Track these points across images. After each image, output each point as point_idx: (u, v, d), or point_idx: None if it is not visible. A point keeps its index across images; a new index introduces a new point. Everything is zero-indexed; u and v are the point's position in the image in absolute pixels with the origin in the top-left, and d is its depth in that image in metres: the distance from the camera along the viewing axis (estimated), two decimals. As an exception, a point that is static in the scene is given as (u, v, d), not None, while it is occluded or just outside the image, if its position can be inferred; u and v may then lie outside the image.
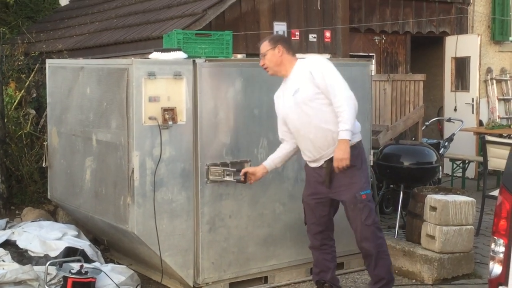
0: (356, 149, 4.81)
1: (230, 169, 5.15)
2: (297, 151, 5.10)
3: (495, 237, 3.40)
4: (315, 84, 4.76)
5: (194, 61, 5.19)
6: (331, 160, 4.79)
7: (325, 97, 4.75)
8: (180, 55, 5.32)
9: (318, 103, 4.77)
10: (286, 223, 5.62)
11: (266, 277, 5.61)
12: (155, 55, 5.34)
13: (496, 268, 3.38)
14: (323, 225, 5.06)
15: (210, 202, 5.24)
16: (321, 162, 4.89)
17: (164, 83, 5.05)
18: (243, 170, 5.05)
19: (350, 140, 4.67)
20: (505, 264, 3.32)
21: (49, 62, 6.49)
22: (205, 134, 5.20)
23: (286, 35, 8.89)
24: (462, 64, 10.61)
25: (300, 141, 4.93)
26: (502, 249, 3.34)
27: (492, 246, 3.42)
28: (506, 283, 3.33)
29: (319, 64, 4.85)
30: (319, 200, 4.99)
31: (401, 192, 6.69)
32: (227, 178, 5.13)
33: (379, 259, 4.89)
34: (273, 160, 5.09)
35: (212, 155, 5.24)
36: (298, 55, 8.57)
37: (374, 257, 4.88)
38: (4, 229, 6.01)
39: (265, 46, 4.98)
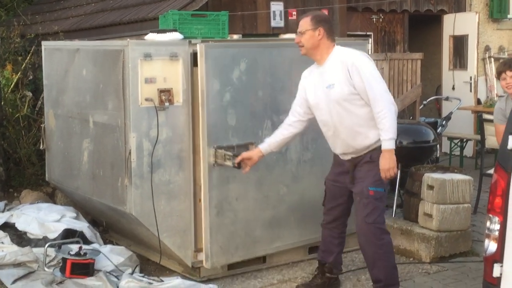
0: (380, 148, 4.60)
1: (229, 153, 5.08)
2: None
3: (490, 215, 3.41)
4: (351, 84, 4.53)
5: (190, 41, 5.17)
6: (357, 157, 4.70)
7: (361, 98, 4.55)
8: (176, 36, 5.30)
9: (353, 104, 4.56)
10: (289, 204, 5.60)
11: (264, 257, 5.64)
12: (151, 36, 5.32)
13: (491, 246, 3.40)
14: (339, 211, 4.97)
15: (217, 185, 5.17)
16: (348, 157, 4.77)
17: (160, 64, 5.03)
18: (239, 157, 4.97)
19: (393, 149, 4.52)
20: (500, 241, 3.34)
21: (44, 44, 6.47)
22: (212, 116, 5.10)
23: (283, 14, 8.86)
24: (460, 43, 10.58)
25: (328, 136, 4.82)
26: (497, 226, 3.36)
27: (488, 223, 3.43)
28: (501, 261, 3.35)
29: (358, 63, 4.54)
30: (339, 187, 4.90)
31: (399, 171, 6.70)
32: (227, 163, 5.07)
33: (377, 260, 4.71)
34: (269, 144, 4.98)
35: (218, 138, 5.16)
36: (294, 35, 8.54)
37: (371, 257, 4.73)
38: (3, 211, 6.04)
39: (305, 24, 4.68)
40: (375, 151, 4.63)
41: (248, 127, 5.32)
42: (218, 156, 5.10)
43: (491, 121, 7.33)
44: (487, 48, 11.34)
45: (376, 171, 4.62)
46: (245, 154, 4.99)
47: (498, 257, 3.37)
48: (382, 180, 4.65)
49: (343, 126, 4.63)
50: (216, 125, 5.15)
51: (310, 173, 5.64)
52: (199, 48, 5.04)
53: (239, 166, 4.98)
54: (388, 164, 4.52)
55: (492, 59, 11.37)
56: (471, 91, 10.37)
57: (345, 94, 4.55)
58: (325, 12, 9.12)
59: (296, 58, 5.23)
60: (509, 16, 11.60)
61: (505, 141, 3.36)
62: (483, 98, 10.86)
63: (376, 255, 4.69)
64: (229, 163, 5.05)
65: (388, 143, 4.50)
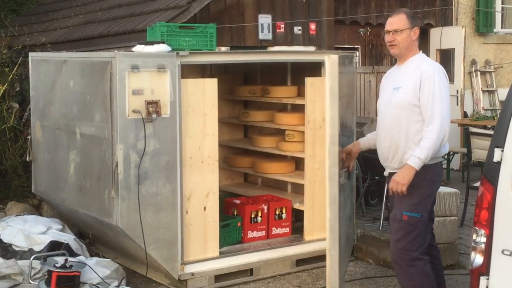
0: (424, 171, 4.33)
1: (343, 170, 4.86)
2: None
3: (476, 228, 3.42)
4: (416, 95, 4.30)
5: (177, 53, 5.17)
6: (393, 174, 4.47)
7: (419, 113, 4.32)
8: (164, 48, 5.30)
9: (408, 115, 4.33)
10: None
11: (251, 269, 5.63)
12: (139, 48, 5.32)
13: (477, 259, 3.41)
14: None
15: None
16: (386, 172, 4.62)
17: (147, 76, 5.03)
18: (343, 155, 4.81)
19: (416, 169, 4.26)
20: (486, 254, 3.35)
21: (32, 55, 6.45)
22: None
23: (271, 27, 8.90)
24: (446, 56, 10.64)
25: (377, 135, 4.65)
26: (483, 239, 3.36)
27: (474, 236, 3.44)
28: (487, 273, 3.36)
29: (434, 77, 4.29)
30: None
31: (386, 184, 6.70)
32: (342, 180, 4.80)
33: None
34: (369, 139, 4.86)
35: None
36: (283, 48, 8.54)
37: (404, 285, 4.49)
38: (-12, 223, 5.98)
39: (403, 22, 4.44)
40: (417, 172, 4.33)
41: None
42: (342, 178, 4.76)
43: (477, 134, 7.39)
44: (474, 62, 11.42)
45: (412, 195, 4.36)
46: (345, 150, 4.85)
47: (484, 269, 3.38)
48: (420, 204, 4.38)
49: (389, 134, 4.44)
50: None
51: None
52: (331, 59, 4.62)
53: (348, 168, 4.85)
54: (401, 179, 4.30)
55: (479, 73, 11.45)
56: (457, 104, 10.43)
57: (407, 102, 4.33)
58: (313, 25, 9.18)
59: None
60: (495, 30, 11.70)
61: (491, 154, 3.38)
62: (469, 112, 10.93)
63: (409, 284, 4.43)
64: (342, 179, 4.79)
65: (415, 160, 4.26)
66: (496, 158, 3.33)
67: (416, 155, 4.27)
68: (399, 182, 4.32)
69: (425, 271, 4.42)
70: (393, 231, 4.48)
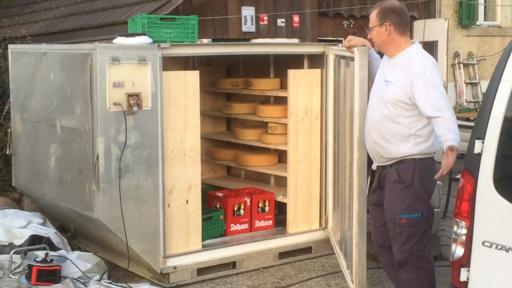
0: (411, 164, 4.26)
1: None
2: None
3: (457, 219, 3.42)
4: (408, 94, 4.17)
5: (159, 45, 5.13)
6: (383, 167, 4.39)
7: (409, 109, 4.19)
8: (145, 40, 5.25)
9: (398, 111, 4.22)
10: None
11: (234, 262, 5.61)
12: (120, 40, 5.27)
13: (458, 250, 3.41)
14: (383, 236, 4.53)
15: None
16: (374, 165, 4.50)
17: (128, 68, 4.99)
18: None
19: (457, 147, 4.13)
20: (467, 246, 3.35)
21: (11, 47, 6.38)
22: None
23: (254, 19, 8.86)
24: (430, 48, 10.66)
25: (365, 126, 4.52)
26: (464, 231, 3.37)
27: (454, 228, 3.44)
28: (468, 265, 3.36)
29: (425, 75, 4.13)
30: (374, 205, 4.56)
31: (368, 177, 6.70)
32: None
33: None
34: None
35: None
36: (269, 40, 8.51)
37: (404, 283, 4.39)
38: (-32, 217, 5.91)
39: (372, 20, 4.38)
40: (402, 167, 4.28)
41: None
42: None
43: (460, 126, 7.39)
44: (457, 54, 11.47)
45: (406, 194, 4.23)
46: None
47: (465, 261, 3.38)
48: (418, 203, 4.25)
49: (376, 128, 4.35)
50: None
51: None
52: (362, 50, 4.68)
53: None
54: (452, 162, 4.18)
55: (461, 65, 11.50)
56: (440, 96, 10.47)
57: (396, 99, 4.22)
58: (296, 17, 9.15)
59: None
60: (477, 22, 11.75)
61: (471, 145, 3.38)
62: (452, 104, 10.98)
63: (410, 283, 4.35)
64: None
65: (452, 140, 4.21)
66: (476, 150, 3.33)
67: (451, 137, 4.19)
68: (448, 164, 4.16)
69: (431, 272, 4.35)
70: (395, 234, 4.33)
